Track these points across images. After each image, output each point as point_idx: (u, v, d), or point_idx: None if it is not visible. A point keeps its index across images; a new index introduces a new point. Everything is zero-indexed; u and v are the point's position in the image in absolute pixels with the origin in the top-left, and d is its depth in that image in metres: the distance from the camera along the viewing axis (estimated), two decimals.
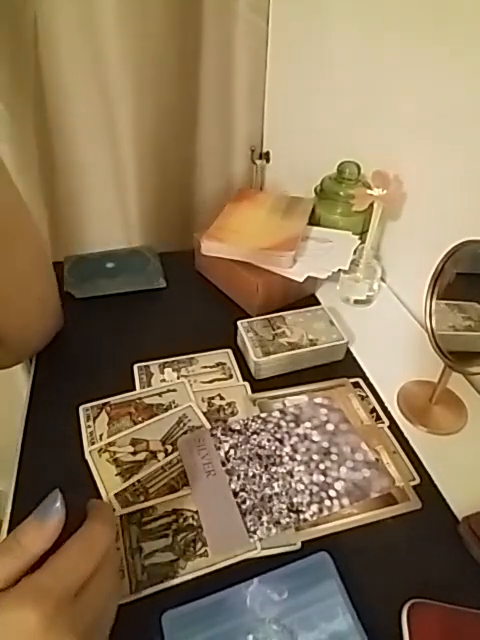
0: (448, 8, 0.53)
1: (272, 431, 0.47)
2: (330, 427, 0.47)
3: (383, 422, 0.50)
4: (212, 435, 0.47)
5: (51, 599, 0.25)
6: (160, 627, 0.34)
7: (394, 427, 0.50)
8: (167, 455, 0.45)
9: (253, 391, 0.53)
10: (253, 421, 0.48)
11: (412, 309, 0.67)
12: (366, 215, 0.67)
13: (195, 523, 0.40)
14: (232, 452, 0.45)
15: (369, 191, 0.61)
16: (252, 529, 0.39)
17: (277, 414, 0.49)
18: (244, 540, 0.38)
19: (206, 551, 0.38)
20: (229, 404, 0.51)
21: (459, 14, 0.52)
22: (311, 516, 0.40)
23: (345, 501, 0.41)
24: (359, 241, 0.68)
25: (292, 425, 0.48)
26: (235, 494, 0.41)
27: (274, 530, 0.39)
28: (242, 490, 0.42)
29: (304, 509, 0.40)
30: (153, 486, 0.43)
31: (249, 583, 0.36)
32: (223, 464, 0.44)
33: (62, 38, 0.68)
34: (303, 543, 0.39)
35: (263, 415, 0.49)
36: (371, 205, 0.62)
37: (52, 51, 0.68)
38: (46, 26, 0.66)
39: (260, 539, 0.39)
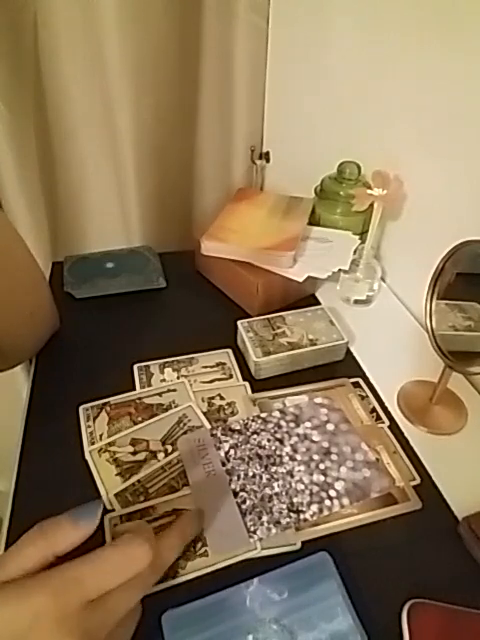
0: (448, 8, 0.53)
1: (272, 431, 0.47)
2: (330, 427, 0.47)
3: (383, 422, 0.50)
4: (212, 435, 0.47)
5: (71, 594, 0.25)
6: (160, 627, 0.34)
7: (394, 427, 0.50)
8: (167, 455, 0.45)
9: (253, 391, 0.53)
10: (253, 421, 0.48)
11: (412, 309, 0.67)
12: (366, 215, 0.67)
13: None
14: (232, 452, 0.45)
15: (369, 191, 0.61)
16: (252, 529, 0.39)
17: (277, 414, 0.49)
18: (244, 540, 0.38)
19: (206, 551, 0.38)
20: (229, 404, 0.51)
21: (459, 14, 0.52)
22: (311, 516, 0.40)
23: (345, 501, 0.41)
24: (359, 241, 0.68)
25: (292, 425, 0.48)
26: (235, 494, 0.41)
27: (274, 530, 0.39)
28: (242, 490, 0.42)
29: (304, 509, 0.40)
30: (153, 486, 0.43)
31: (249, 583, 0.36)
32: (223, 464, 0.44)
33: (62, 38, 0.68)
34: (303, 543, 0.39)
35: (263, 415, 0.49)
36: (371, 205, 0.62)
37: (52, 51, 0.68)
38: (46, 26, 0.66)
39: (260, 539, 0.39)
